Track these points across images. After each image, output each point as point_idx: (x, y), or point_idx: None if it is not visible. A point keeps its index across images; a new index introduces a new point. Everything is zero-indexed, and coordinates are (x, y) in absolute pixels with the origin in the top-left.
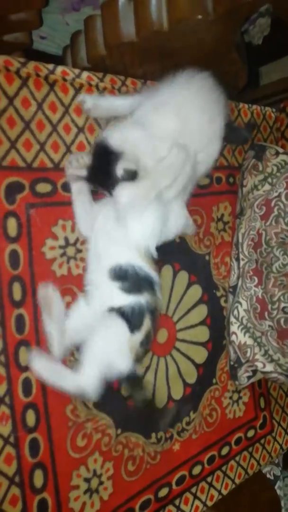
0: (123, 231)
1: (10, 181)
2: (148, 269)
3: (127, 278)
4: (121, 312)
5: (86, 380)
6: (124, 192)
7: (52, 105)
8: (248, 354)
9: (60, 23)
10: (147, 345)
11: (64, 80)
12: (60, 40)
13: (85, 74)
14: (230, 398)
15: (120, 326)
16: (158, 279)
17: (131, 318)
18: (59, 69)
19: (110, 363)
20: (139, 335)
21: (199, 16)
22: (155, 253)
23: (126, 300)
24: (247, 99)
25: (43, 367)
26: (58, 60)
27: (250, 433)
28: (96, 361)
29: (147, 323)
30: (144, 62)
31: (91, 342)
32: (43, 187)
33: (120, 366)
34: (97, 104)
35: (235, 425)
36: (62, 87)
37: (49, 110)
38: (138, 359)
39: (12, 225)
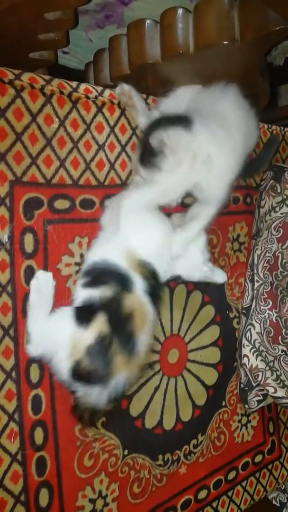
0: (118, 233)
1: (29, 197)
2: (124, 268)
3: (92, 272)
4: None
5: (31, 348)
6: (130, 195)
7: (74, 122)
8: (259, 378)
9: (84, 40)
10: (103, 360)
11: (87, 97)
12: (82, 56)
13: (107, 92)
14: (239, 421)
15: (65, 315)
16: (140, 282)
17: (79, 311)
18: (82, 86)
19: (51, 350)
20: (87, 334)
21: (226, 42)
22: (154, 271)
23: (81, 294)
24: (266, 119)
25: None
26: (79, 74)
27: (258, 458)
28: (38, 336)
29: (100, 322)
30: (167, 83)
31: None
32: (61, 204)
33: (60, 360)
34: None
35: (243, 450)
36: (84, 105)
37: (71, 127)
38: (82, 370)
39: (29, 241)
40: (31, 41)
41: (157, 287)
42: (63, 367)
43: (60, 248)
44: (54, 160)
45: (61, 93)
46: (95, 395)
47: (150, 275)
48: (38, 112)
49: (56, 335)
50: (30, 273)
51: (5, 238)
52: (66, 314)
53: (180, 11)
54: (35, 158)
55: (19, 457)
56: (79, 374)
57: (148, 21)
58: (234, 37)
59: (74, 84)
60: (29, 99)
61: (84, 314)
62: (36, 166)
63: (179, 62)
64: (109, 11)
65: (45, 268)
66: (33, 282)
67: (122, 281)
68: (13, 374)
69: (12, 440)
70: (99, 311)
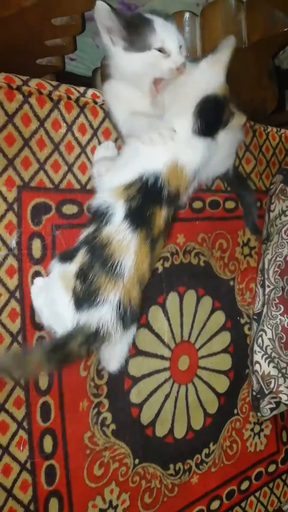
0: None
1: (37, 202)
2: (107, 203)
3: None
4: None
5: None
6: None
7: (81, 127)
8: (271, 385)
9: (91, 46)
10: (85, 282)
11: (95, 102)
12: (89, 62)
13: None
14: (252, 430)
15: (53, 264)
16: (122, 209)
17: (62, 254)
18: (90, 92)
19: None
20: (72, 266)
21: None
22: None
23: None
24: (275, 123)
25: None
26: (86, 80)
27: (271, 468)
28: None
29: (81, 254)
30: None
31: None
32: (69, 209)
33: (61, 306)
34: None
35: (256, 459)
36: (92, 110)
37: (79, 132)
38: (77, 297)
39: (37, 246)
40: (39, 47)
41: (142, 205)
42: (64, 303)
43: None
44: (62, 165)
45: (69, 98)
46: (100, 314)
47: (137, 193)
48: (46, 117)
49: (52, 284)
50: (37, 277)
51: (13, 244)
52: (54, 263)
53: (187, 15)
54: (43, 163)
55: (28, 465)
56: (77, 299)
57: None
58: (242, 39)
59: (81, 89)
60: (36, 105)
61: (68, 255)
62: (44, 171)
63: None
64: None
65: None
66: (33, 290)
67: (103, 216)
68: (22, 381)
69: (21, 448)
70: (82, 247)
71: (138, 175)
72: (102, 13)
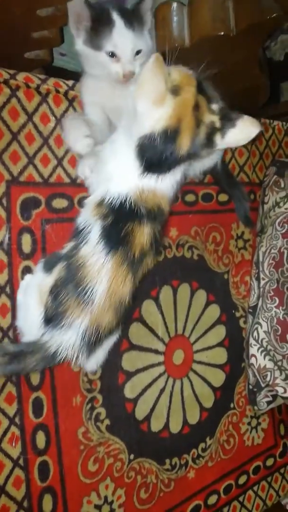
0: None
1: (26, 197)
2: (83, 222)
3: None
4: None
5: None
6: None
7: None
8: (268, 378)
9: None
10: (55, 300)
11: None
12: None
13: None
14: (249, 424)
15: (39, 265)
16: (97, 227)
17: (45, 261)
18: (79, 85)
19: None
20: (49, 279)
21: (221, 33)
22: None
23: None
24: (268, 115)
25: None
26: (77, 76)
27: (269, 462)
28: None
29: (58, 270)
30: None
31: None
32: (59, 203)
33: (33, 316)
34: None
35: (254, 453)
36: (80, 103)
37: None
38: (46, 314)
39: (26, 241)
40: (25, 39)
41: (119, 222)
42: (35, 314)
43: (59, 248)
44: (52, 159)
45: (57, 92)
46: (62, 339)
47: (110, 210)
48: (34, 111)
49: (29, 292)
50: (27, 273)
51: (2, 239)
52: (38, 266)
53: (174, 4)
54: (32, 158)
55: (21, 461)
56: (47, 316)
57: None
58: (230, 27)
59: (70, 83)
60: (24, 99)
61: (50, 264)
62: (33, 165)
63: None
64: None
65: None
66: (22, 284)
67: (82, 234)
68: (13, 376)
69: (13, 444)
70: (62, 260)
71: (103, 193)
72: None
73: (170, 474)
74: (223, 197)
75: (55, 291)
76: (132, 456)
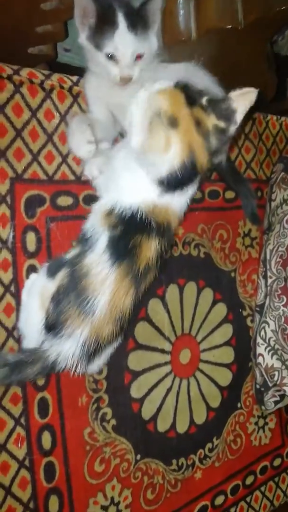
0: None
1: (31, 194)
2: (91, 229)
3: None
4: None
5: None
6: None
7: None
8: (275, 378)
9: None
10: (56, 308)
11: None
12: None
13: None
14: (256, 424)
15: (42, 268)
16: (105, 236)
17: (50, 265)
18: (83, 80)
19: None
20: (51, 285)
21: (229, 26)
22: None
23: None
24: (275, 111)
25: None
26: (82, 71)
27: (277, 462)
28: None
29: (61, 276)
30: None
31: None
32: (64, 200)
33: (34, 321)
34: None
35: (261, 453)
36: (85, 98)
37: None
38: (47, 321)
39: (31, 240)
40: (29, 34)
41: (127, 234)
42: (37, 319)
43: (64, 246)
44: (56, 156)
45: (61, 87)
46: (62, 348)
47: (120, 221)
48: (38, 107)
49: (31, 295)
50: (32, 273)
51: (6, 237)
52: (41, 270)
53: None
54: (36, 155)
55: (26, 462)
56: (48, 323)
57: None
58: (238, 20)
59: (74, 78)
60: (28, 94)
61: (54, 268)
62: (38, 162)
63: (182, 50)
64: None
65: None
66: (27, 283)
67: (89, 241)
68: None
69: (19, 445)
70: (66, 265)
71: (113, 203)
72: None
73: (177, 475)
74: (230, 194)
75: (57, 298)
76: (138, 457)
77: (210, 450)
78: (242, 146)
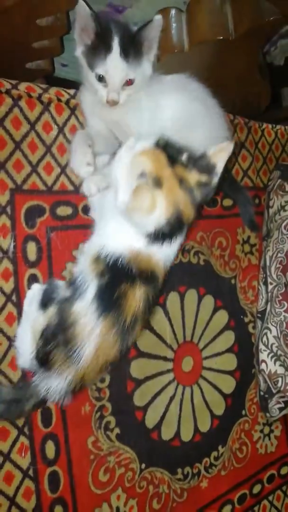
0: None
1: (31, 205)
2: (80, 274)
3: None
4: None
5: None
6: None
7: (73, 128)
8: (279, 384)
9: None
10: (45, 347)
11: None
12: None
13: None
14: (261, 431)
15: (34, 293)
16: (94, 285)
17: (44, 294)
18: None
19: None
20: (42, 319)
21: (220, 37)
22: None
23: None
24: (270, 120)
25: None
26: (79, 86)
27: (284, 470)
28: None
29: (51, 313)
30: None
31: None
32: (63, 210)
33: (26, 345)
34: None
35: (267, 461)
36: (82, 112)
37: (70, 134)
38: (37, 354)
39: (31, 249)
40: (26, 49)
41: (114, 282)
42: (25, 350)
43: (64, 255)
44: (55, 167)
45: (59, 100)
46: (51, 384)
47: (106, 268)
48: (36, 120)
49: (25, 319)
50: (34, 282)
51: (7, 247)
52: (38, 293)
53: (173, 11)
54: (35, 166)
55: (30, 472)
56: (37, 355)
57: None
58: (229, 31)
59: (71, 91)
60: (26, 108)
61: (46, 299)
62: (37, 173)
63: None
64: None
65: (50, 276)
66: (28, 294)
67: (78, 288)
68: (20, 384)
69: (23, 454)
70: (57, 302)
71: (100, 248)
72: (82, 9)
73: (183, 484)
74: (227, 202)
75: (46, 336)
76: (143, 466)
77: (216, 459)
78: (239, 154)
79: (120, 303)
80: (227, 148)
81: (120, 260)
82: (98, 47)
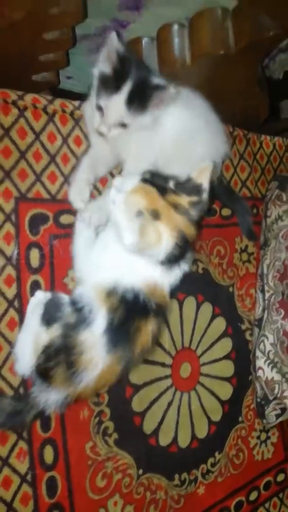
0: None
1: (35, 213)
2: (90, 303)
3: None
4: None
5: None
6: None
7: (77, 139)
8: (276, 391)
9: (86, 64)
10: (46, 363)
11: None
12: (85, 79)
13: None
14: (258, 438)
15: (37, 310)
16: (103, 318)
17: (46, 309)
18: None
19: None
20: (45, 335)
21: (221, 52)
22: None
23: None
24: (269, 132)
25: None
26: (83, 98)
27: (280, 477)
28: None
29: (56, 330)
30: None
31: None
32: (66, 218)
33: (27, 356)
34: None
35: (264, 468)
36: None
37: (74, 144)
38: (37, 367)
39: (35, 256)
40: (32, 62)
41: (126, 320)
42: (24, 362)
43: (66, 263)
44: (59, 176)
45: (64, 112)
46: (46, 399)
47: (120, 304)
48: (42, 130)
49: (26, 331)
50: (36, 288)
51: (11, 254)
52: (35, 315)
53: (175, 26)
54: (40, 175)
55: (28, 477)
56: (37, 368)
57: (145, 39)
58: (229, 46)
59: (76, 103)
60: (32, 118)
61: (49, 316)
62: (41, 182)
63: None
64: (108, 34)
65: (52, 282)
66: (31, 301)
67: (85, 317)
68: (21, 391)
69: (21, 459)
70: (61, 324)
71: (115, 284)
72: (111, 42)
73: (180, 490)
74: (226, 212)
75: (48, 353)
76: (141, 471)
77: (213, 465)
78: (238, 165)
79: (132, 339)
80: (207, 167)
81: (138, 295)
82: (111, 80)
